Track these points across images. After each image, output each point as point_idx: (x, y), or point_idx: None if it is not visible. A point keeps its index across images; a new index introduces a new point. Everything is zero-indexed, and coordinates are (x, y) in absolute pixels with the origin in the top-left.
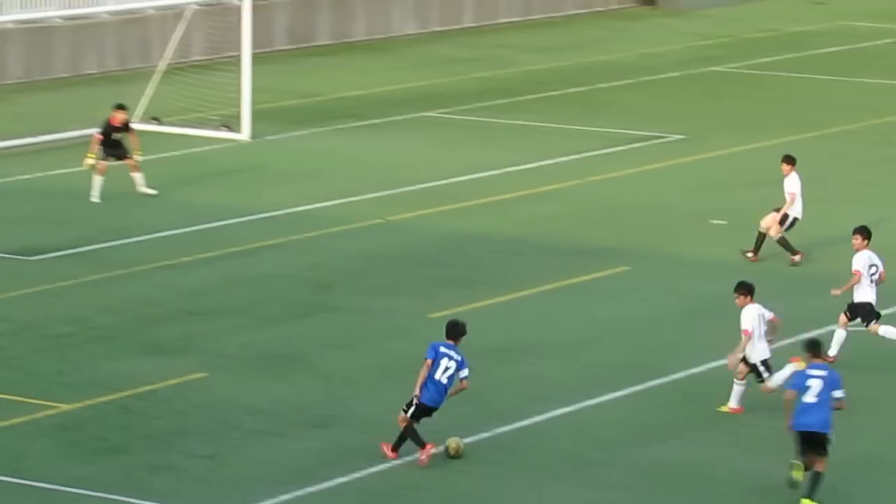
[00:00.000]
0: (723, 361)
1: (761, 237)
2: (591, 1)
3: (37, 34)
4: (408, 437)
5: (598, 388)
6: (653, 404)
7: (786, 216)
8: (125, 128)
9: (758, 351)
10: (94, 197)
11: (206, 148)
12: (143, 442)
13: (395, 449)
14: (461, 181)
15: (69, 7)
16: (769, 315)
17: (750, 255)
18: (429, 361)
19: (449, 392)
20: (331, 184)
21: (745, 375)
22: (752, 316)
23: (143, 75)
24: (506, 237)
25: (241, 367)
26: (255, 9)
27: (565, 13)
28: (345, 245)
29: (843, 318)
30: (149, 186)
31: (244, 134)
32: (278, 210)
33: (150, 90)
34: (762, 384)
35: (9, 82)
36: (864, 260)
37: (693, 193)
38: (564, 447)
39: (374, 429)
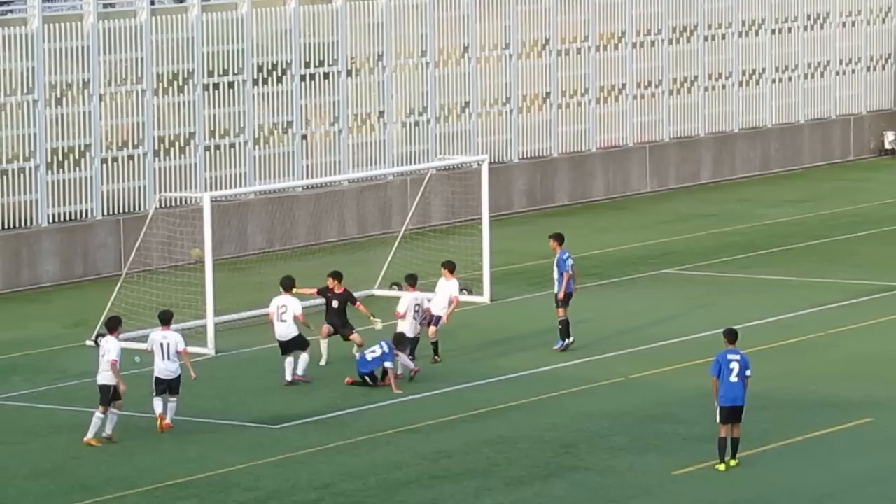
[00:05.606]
0: None
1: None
2: (829, 153)
3: (278, 204)
4: None
5: None
6: None
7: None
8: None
9: None
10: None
11: None
12: None
13: None
14: (702, 337)
15: (309, 176)
16: None
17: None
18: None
19: None
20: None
21: None
22: None
23: (384, 241)
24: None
25: None
26: (494, 172)
27: (803, 165)
28: (587, 404)
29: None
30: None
31: (484, 297)
32: (519, 371)
33: (390, 256)
34: None
35: (251, 252)
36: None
37: None
38: None
39: None
